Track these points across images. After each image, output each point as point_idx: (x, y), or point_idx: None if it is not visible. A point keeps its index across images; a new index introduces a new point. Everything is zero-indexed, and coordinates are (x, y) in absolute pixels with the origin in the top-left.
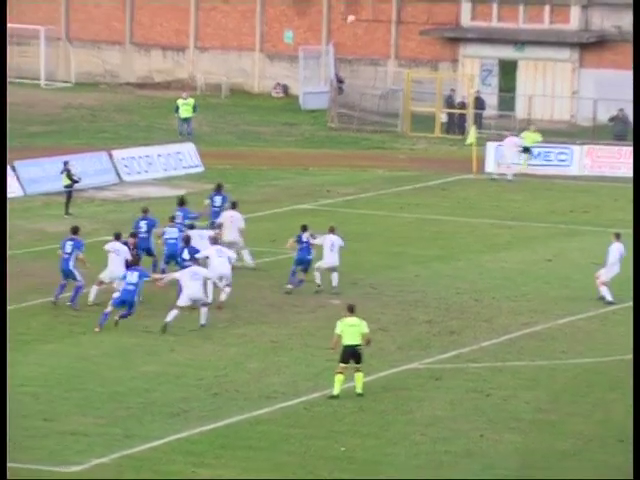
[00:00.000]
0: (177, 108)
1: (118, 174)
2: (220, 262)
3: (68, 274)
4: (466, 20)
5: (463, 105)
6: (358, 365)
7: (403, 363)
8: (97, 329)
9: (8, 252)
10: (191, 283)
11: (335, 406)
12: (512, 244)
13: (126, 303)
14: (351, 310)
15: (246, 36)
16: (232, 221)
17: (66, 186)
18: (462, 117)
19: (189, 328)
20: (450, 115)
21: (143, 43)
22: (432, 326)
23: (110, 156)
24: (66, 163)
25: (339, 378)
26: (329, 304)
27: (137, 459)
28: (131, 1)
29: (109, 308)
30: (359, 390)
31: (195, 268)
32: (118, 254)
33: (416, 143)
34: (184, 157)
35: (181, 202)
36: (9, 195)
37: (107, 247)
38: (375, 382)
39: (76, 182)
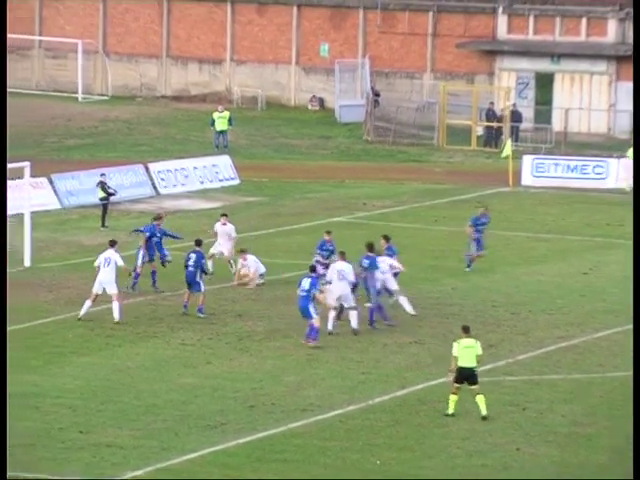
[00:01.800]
0: (213, 121)
1: (154, 187)
2: (339, 285)
3: (193, 284)
4: (502, 33)
5: (500, 118)
6: (475, 387)
7: (439, 376)
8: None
9: (44, 264)
10: (339, 283)
11: (371, 419)
12: (548, 257)
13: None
14: (466, 331)
15: (282, 49)
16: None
17: (101, 199)
18: (498, 130)
19: (225, 340)
20: (488, 128)
21: (180, 56)
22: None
23: (146, 169)
24: (102, 175)
25: (453, 398)
26: (364, 317)
27: (173, 472)
28: (168, 14)
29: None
30: (484, 412)
31: (341, 264)
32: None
33: (452, 156)
34: (220, 170)
35: (198, 243)
36: (46, 207)
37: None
38: (411, 395)
39: (112, 195)
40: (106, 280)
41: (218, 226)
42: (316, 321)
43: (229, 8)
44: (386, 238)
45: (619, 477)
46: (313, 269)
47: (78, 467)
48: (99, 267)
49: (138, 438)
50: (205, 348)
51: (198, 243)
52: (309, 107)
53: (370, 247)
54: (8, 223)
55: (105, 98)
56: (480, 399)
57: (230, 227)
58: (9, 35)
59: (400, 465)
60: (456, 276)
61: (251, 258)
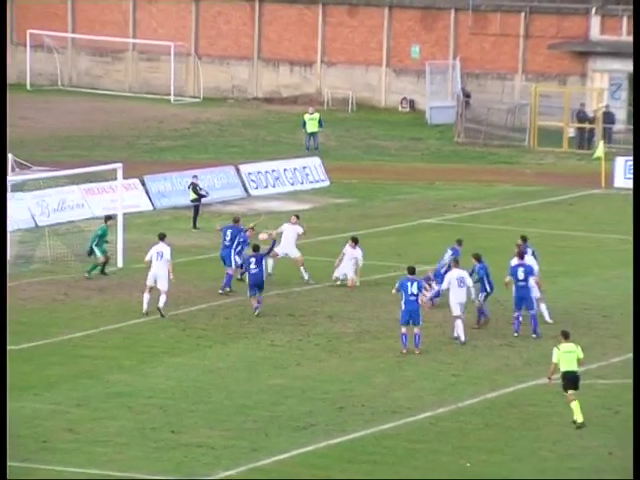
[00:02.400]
0: (304, 123)
1: (245, 188)
2: (459, 292)
3: (261, 286)
4: (595, 34)
5: (591, 119)
6: (574, 392)
7: (530, 379)
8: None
9: (137, 265)
10: (459, 290)
11: (461, 421)
12: None
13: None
14: (566, 336)
15: (373, 51)
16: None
17: (193, 200)
18: (591, 131)
19: (315, 342)
20: (579, 129)
21: (271, 58)
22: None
23: (237, 170)
24: (195, 177)
25: (575, 405)
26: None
27: (264, 472)
28: (259, 17)
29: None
30: (579, 420)
31: (459, 272)
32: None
33: (543, 158)
34: (310, 171)
35: (255, 248)
36: (139, 209)
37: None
38: (501, 398)
39: (203, 197)
40: (159, 273)
41: (287, 226)
42: (421, 328)
43: (320, 10)
44: (524, 239)
45: None
46: (412, 271)
47: (170, 466)
48: (151, 261)
49: (229, 438)
50: (295, 349)
51: (255, 248)
52: (399, 109)
53: (477, 257)
54: (107, 224)
55: (197, 100)
56: (576, 405)
57: (297, 227)
58: (104, 38)
59: (490, 467)
60: (546, 278)
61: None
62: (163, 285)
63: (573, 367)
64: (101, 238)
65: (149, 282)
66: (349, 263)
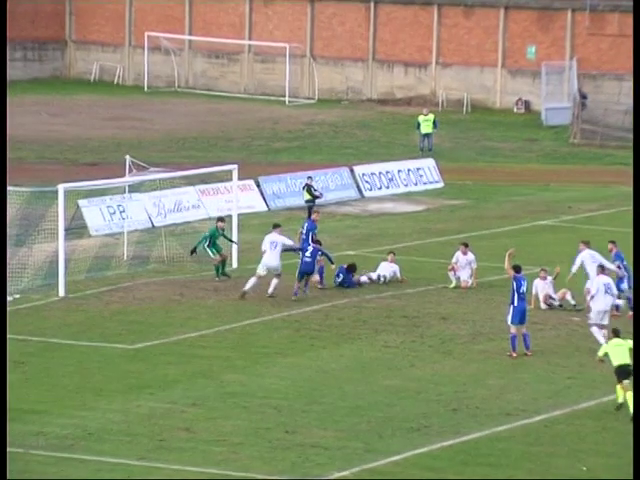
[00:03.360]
0: (418, 124)
1: (359, 189)
2: (606, 299)
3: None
4: None
5: None
6: (627, 382)
7: None
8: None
9: (251, 266)
10: (605, 297)
11: (577, 424)
12: None
13: None
14: (616, 334)
15: (488, 52)
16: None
17: (307, 201)
18: None
19: (429, 343)
20: None
21: (385, 59)
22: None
23: (351, 171)
24: (309, 178)
25: (630, 395)
26: (570, 322)
27: (378, 473)
28: (374, 18)
29: None
30: (631, 410)
31: (606, 278)
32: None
33: None
34: (424, 173)
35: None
36: (254, 210)
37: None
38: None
39: (317, 197)
40: (272, 263)
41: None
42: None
43: (435, 11)
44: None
45: None
46: (518, 269)
47: (284, 466)
48: (265, 250)
49: (343, 439)
50: (408, 350)
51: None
52: (515, 110)
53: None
54: (217, 226)
55: (311, 101)
56: (630, 395)
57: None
58: (220, 40)
59: (607, 472)
60: None
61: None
62: (277, 272)
63: (625, 360)
64: (210, 239)
65: (260, 271)
66: (464, 270)
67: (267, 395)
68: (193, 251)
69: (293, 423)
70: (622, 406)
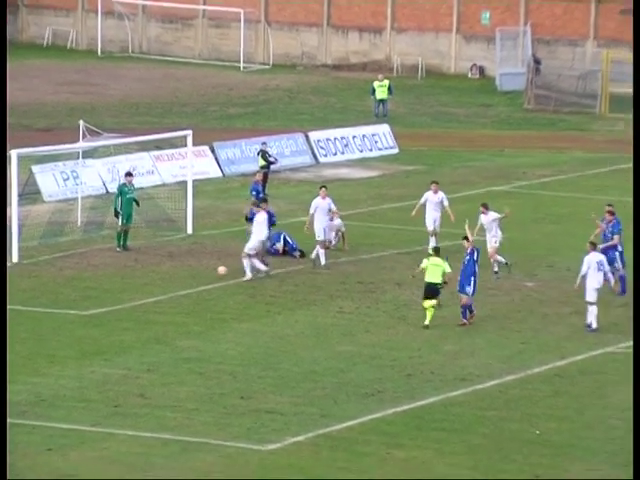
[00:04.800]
0: (373, 90)
1: (314, 155)
2: (598, 276)
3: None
4: None
5: None
6: (433, 302)
7: (599, 346)
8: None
9: (206, 232)
10: (597, 274)
11: (530, 389)
12: None
13: None
14: (436, 252)
15: (443, 17)
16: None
17: (262, 167)
18: None
19: (383, 309)
20: None
21: (340, 25)
22: (629, 310)
23: (306, 137)
24: (264, 144)
25: (429, 311)
26: (524, 287)
27: (333, 438)
28: None
29: None
30: (426, 322)
31: (598, 255)
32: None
33: (614, 124)
34: (379, 139)
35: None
36: (208, 176)
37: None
38: (571, 365)
39: (272, 163)
40: (320, 226)
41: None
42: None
43: None
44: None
45: None
46: (467, 239)
47: (240, 432)
48: (312, 214)
49: (298, 405)
50: (363, 316)
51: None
52: (469, 75)
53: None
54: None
55: (266, 67)
56: (430, 312)
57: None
58: (174, 5)
59: (559, 435)
60: None
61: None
62: (320, 236)
63: (437, 279)
64: (120, 197)
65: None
66: (435, 210)
67: (222, 361)
68: (116, 213)
69: (248, 389)
70: (429, 314)
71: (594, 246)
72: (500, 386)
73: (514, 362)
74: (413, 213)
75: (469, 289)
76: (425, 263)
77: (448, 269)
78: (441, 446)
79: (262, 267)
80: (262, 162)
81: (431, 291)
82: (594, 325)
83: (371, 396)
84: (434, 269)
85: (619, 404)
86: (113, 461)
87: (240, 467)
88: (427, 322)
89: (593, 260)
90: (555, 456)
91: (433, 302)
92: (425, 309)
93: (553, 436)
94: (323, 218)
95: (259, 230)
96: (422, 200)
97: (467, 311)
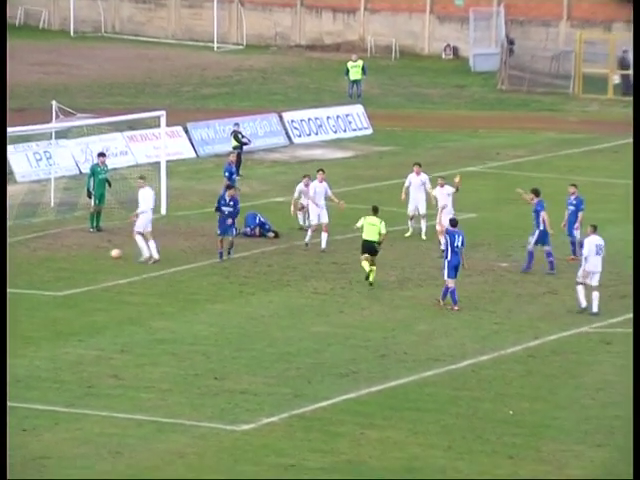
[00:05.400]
0: (347, 70)
1: (288, 136)
2: (597, 260)
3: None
4: None
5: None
6: (372, 258)
7: (573, 327)
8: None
9: (180, 213)
10: (596, 258)
11: (503, 369)
12: None
13: None
14: (375, 211)
15: None
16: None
17: (235, 148)
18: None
19: (357, 290)
20: (625, 77)
21: (314, 5)
22: (603, 290)
23: (280, 118)
24: (237, 125)
25: (364, 264)
26: (498, 267)
27: (307, 419)
28: None
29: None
30: (371, 279)
31: (598, 238)
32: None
33: (588, 105)
34: (353, 119)
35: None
36: (182, 157)
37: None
38: (544, 345)
39: (245, 144)
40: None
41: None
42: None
43: None
44: (536, 192)
45: None
46: (455, 223)
47: (214, 412)
48: (313, 197)
49: (272, 385)
50: (337, 297)
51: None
52: (443, 56)
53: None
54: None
55: (240, 47)
56: (373, 270)
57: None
58: None
59: (532, 415)
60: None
61: None
62: (324, 219)
63: (373, 237)
64: (93, 178)
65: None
66: (418, 191)
67: (196, 342)
68: (89, 194)
69: (222, 370)
70: (369, 274)
71: (594, 229)
72: (474, 366)
73: (488, 342)
74: (403, 196)
75: (444, 272)
76: (361, 222)
77: (383, 230)
78: (415, 426)
79: (147, 253)
80: (235, 143)
81: (368, 248)
82: (595, 309)
83: (345, 376)
84: (370, 228)
85: (592, 384)
86: (87, 442)
87: (214, 448)
88: (371, 279)
89: (592, 243)
90: (528, 436)
91: (372, 262)
92: (364, 269)
93: (526, 416)
94: (320, 203)
95: (145, 205)
96: (407, 182)
97: (450, 296)
